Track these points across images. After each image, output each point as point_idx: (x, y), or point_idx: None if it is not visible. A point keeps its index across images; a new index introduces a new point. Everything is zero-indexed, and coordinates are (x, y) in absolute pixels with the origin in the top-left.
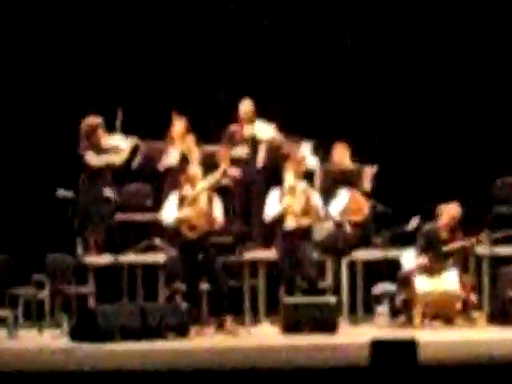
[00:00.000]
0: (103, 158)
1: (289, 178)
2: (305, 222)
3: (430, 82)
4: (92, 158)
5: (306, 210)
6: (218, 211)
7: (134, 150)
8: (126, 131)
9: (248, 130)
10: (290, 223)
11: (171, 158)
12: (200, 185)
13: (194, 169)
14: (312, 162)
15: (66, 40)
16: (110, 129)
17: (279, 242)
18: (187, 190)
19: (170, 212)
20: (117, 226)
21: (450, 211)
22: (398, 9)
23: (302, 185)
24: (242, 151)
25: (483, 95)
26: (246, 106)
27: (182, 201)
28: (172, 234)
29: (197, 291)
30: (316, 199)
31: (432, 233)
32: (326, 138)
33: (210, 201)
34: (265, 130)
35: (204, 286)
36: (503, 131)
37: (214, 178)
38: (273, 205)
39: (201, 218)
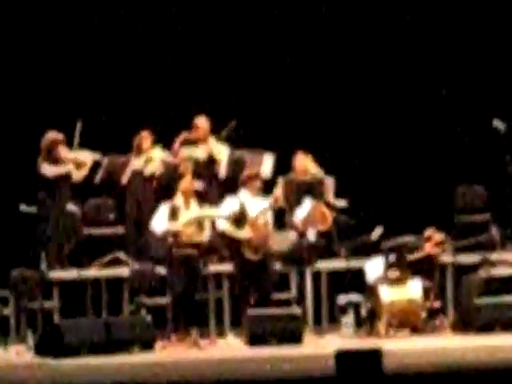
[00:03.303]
0: (59, 169)
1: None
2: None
3: (392, 91)
4: (47, 169)
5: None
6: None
7: (96, 165)
8: (87, 146)
9: (194, 152)
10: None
11: (136, 162)
12: (194, 211)
13: (188, 181)
14: (268, 172)
15: (26, 54)
16: (71, 144)
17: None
18: (178, 201)
19: (159, 223)
20: (80, 241)
21: (435, 239)
22: (363, 29)
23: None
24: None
25: (443, 106)
26: (202, 123)
27: (174, 212)
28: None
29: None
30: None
31: (405, 249)
32: (287, 149)
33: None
34: (219, 149)
35: (167, 299)
36: (464, 140)
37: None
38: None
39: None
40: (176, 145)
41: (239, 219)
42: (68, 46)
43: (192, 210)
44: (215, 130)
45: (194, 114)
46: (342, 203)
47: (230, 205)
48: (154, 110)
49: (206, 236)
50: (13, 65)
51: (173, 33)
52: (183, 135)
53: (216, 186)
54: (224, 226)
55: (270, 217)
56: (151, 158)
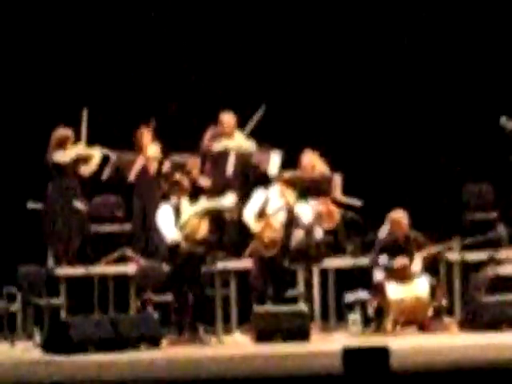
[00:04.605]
0: (72, 153)
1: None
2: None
3: (400, 91)
4: (61, 155)
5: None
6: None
7: (104, 161)
8: (94, 142)
9: (227, 144)
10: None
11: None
12: (201, 204)
13: (180, 177)
14: (275, 170)
15: (33, 52)
16: (79, 134)
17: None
18: (183, 199)
19: (170, 229)
20: (87, 238)
21: (393, 217)
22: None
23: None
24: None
25: (450, 104)
26: (227, 119)
27: (177, 212)
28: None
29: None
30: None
31: (386, 242)
32: (295, 147)
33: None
34: (245, 144)
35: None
36: (471, 138)
37: (217, 205)
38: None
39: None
40: (207, 139)
41: (260, 212)
42: (77, 43)
43: (199, 205)
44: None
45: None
46: (356, 202)
47: (257, 197)
48: (159, 109)
49: (203, 229)
50: (20, 62)
51: (188, 35)
52: (211, 130)
53: (225, 182)
54: (248, 215)
55: (282, 216)
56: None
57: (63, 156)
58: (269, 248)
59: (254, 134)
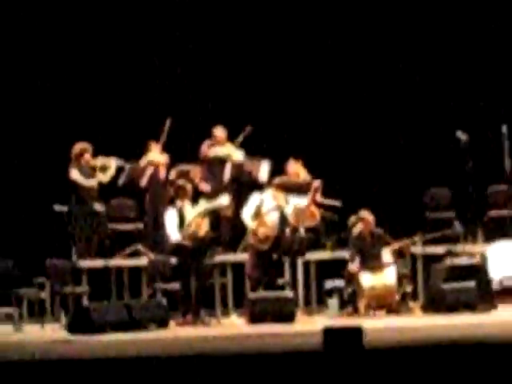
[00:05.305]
0: (84, 181)
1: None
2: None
3: (363, 96)
4: (76, 176)
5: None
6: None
7: (119, 170)
8: (109, 152)
9: (219, 151)
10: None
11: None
12: (201, 205)
13: (184, 183)
14: (265, 177)
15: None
16: (97, 153)
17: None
18: (187, 203)
19: (172, 229)
20: (106, 235)
21: (361, 217)
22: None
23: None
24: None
25: (414, 121)
26: (219, 133)
27: (181, 215)
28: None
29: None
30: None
31: (357, 240)
32: (281, 157)
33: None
34: (234, 152)
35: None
36: (432, 149)
37: (215, 205)
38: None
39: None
40: (204, 148)
41: (256, 213)
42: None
43: (199, 206)
44: (232, 137)
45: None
46: (336, 203)
47: (253, 200)
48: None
49: (205, 227)
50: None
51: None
52: (207, 142)
53: (222, 187)
54: (246, 215)
55: (275, 216)
56: (158, 162)
57: (77, 178)
58: (263, 242)
59: (246, 146)
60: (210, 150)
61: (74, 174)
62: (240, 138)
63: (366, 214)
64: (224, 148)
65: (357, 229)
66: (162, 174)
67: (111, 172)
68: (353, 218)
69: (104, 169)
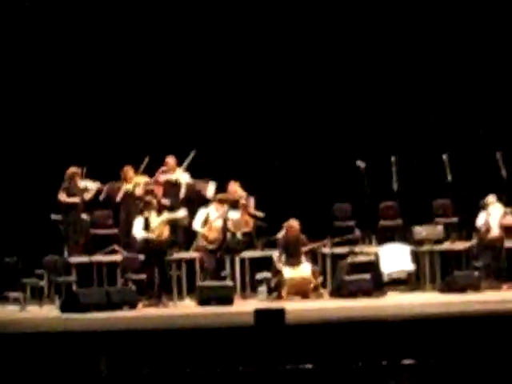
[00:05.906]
0: (69, 200)
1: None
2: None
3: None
4: (62, 197)
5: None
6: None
7: (98, 192)
8: (93, 177)
9: (169, 177)
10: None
11: (126, 187)
12: (165, 215)
13: (151, 198)
14: (212, 194)
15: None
16: (88, 176)
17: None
18: (152, 213)
19: (138, 232)
20: (90, 238)
21: (289, 224)
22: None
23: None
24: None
25: (321, 145)
26: (170, 160)
27: (147, 222)
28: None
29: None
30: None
31: (285, 242)
32: (223, 178)
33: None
34: (183, 176)
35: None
36: (337, 173)
37: (175, 216)
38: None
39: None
40: (158, 175)
41: (204, 222)
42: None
43: (163, 216)
44: (180, 163)
45: (159, 153)
46: (261, 214)
47: (201, 212)
48: (137, 151)
49: (166, 232)
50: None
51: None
52: (161, 169)
53: (178, 202)
54: (196, 224)
55: (219, 223)
56: (138, 184)
57: (62, 198)
58: (212, 243)
59: (192, 170)
60: (161, 176)
61: (61, 196)
62: (185, 164)
63: (293, 223)
64: (173, 174)
65: (283, 233)
66: (139, 192)
67: (92, 192)
68: (284, 224)
69: (86, 190)
